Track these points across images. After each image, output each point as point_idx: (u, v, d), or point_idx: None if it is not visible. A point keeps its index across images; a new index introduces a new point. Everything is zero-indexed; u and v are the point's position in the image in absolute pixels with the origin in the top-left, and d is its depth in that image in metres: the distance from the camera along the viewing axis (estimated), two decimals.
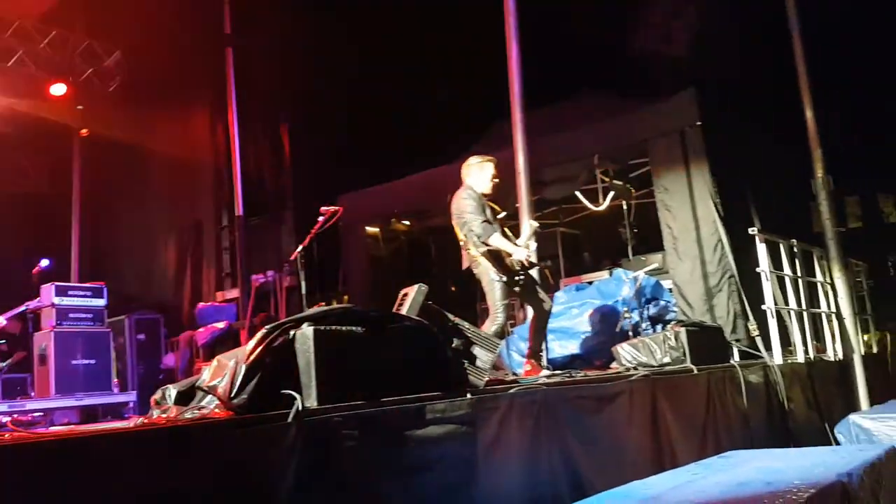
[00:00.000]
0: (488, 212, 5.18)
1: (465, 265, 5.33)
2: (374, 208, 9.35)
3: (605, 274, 8.13)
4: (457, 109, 10.22)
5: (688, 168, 6.72)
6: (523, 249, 5.09)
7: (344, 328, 2.98)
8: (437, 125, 10.29)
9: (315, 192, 9.96)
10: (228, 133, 10.56)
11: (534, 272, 5.64)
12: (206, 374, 2.87)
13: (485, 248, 5.05)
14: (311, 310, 3.11)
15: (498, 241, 5.05)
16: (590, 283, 7.69)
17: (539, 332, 5.40)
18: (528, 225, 5.45)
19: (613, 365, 5.67)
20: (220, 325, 9.30)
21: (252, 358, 2.72)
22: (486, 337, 4.15)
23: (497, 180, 5.33)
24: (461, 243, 5.23)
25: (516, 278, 5.04)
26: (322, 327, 2.89)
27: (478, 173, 5.29)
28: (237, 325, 9.48)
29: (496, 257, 5.04)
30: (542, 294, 5.39)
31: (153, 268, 12.12)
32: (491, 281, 5.06)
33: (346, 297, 9.43)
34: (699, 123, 6.62)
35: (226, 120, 10.70)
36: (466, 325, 4.11)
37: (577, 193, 8.71)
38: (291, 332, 2.88)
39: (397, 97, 10.51)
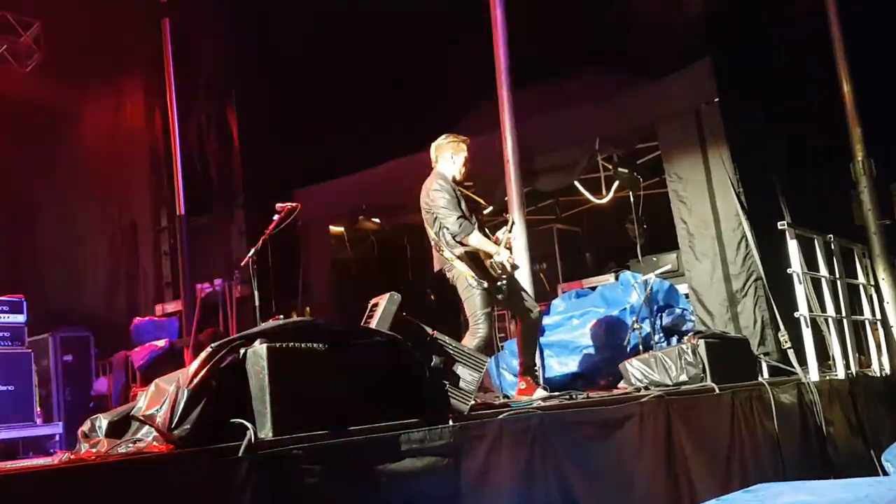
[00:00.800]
0: (464, 205, 5.19)
1: (436, 268, 5.35)
2: (339, 204, 9.35)
3: (610, 278, 8.16)
4: (433, 87, 10.23)
5: (704, 153, 6.77)
6: (505, 250, 5.11)
7: (304, 345, 2.98)
8: (411, 106, 10.29)
9: (269, 185, 9.96)
10: (167, 118, 10.49)
11: (522, 275, 5.67)
12: (143, 401, 2.87)
13: (461, 250, 5.07)
14: (265, 324, 3.12)
15: (477, 240, 5.07)
16: (592, 288, 7.73)
17: (528, 346, 5.42)
18: (511, 221, 5.47)
19: (621, 384, 5.69)
20: (160, 343, 9.24)
21: (196, 381, 2.72)
22: (471, 354, 4.17)
23: (470, 165, 5.35)
24: (432, 243, 5.25)
25: (499, 283, 5.06)
26: (278, 344, 2.89)
27: (450, 156, 5.31)
28: (180, 343, 9.42)
29: (474, 259, 5.07)
30: (528, 301, 5.41)
31: (81, 277, 12.00)
32: (468, 287, 5.08)
33: (307, 309, 9.41)
34: (716, 100, 6.67)
35: (164, 102, 10.63)
36: (448, 339, 4.13)
37: (576, 184, 8.75)
38: (242, 351, 2.88)
39: (362, 74, 10.51)
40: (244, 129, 11.21)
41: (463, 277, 5.08)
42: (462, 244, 5.08)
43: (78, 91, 11.37)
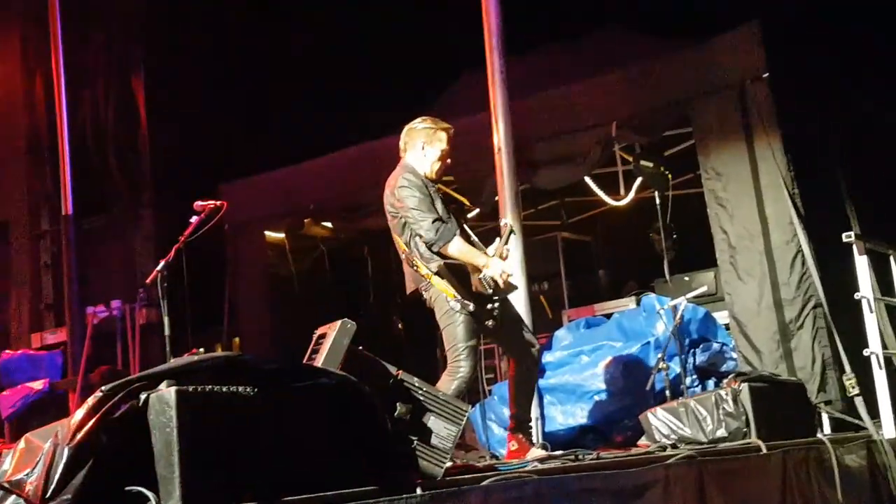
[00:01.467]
0: (439, 205, 5.19)
1: (408, 288, 5.33)
2: (279, 203, 9.32)
3: (629, 302, 8.19)
4: (401, 55, 10.26)
5: (750, 142, 6.80)
6: (498, 261, 5.10)
7: (226, 389, 2.95)
8: (374, 77, 10.30)
9: (187, 178, 9.89)
10: (52, 87, 10.39)
11: (517, 298, 5.65)
12: (9, 463, 2.83)
13: (438, 262, 5.07)
14: (176, 360, 3.09)
15: (459, 249, 5.06)
16: (607, 316, 7.75)
17: (523, 393, 5.42)
18: (502, 225, 5.47)
19: (641, 441, 5.70)
20: (36, 385, 9.15)
21: (80, 436, 2.69)
22: (448, 401, 4.15)
23: (449, 161, 5.35)
24: (402, 255, 5.24)
25: (489, 307, 5.03)
26: (191, 388, 2.86)
27: (424, 145, 5.33)
28: (63, 385, 9.32)
29: (457, 275, 5.06)
30: (527, 333, 5.40)
31: None
32: (449, 312, 5.07)
33: (234, 341, 9.35)
34: (766, 75, 6.73)
35: (48, 67, 10.53)
36: (418, 382, 4.11)
37: (588, 180, 8.76)
38: (143, 396, 2.85)
39: (312, 35, 10.51)
40: (154, 104, 11.14)
41: (443, 299, 5.07)
42: (441, 255, 5.07)
43: None
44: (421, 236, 5.06)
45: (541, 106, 7.72)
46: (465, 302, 4.99)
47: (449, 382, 4.98)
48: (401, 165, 5.33)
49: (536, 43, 9.09)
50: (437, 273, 5.03)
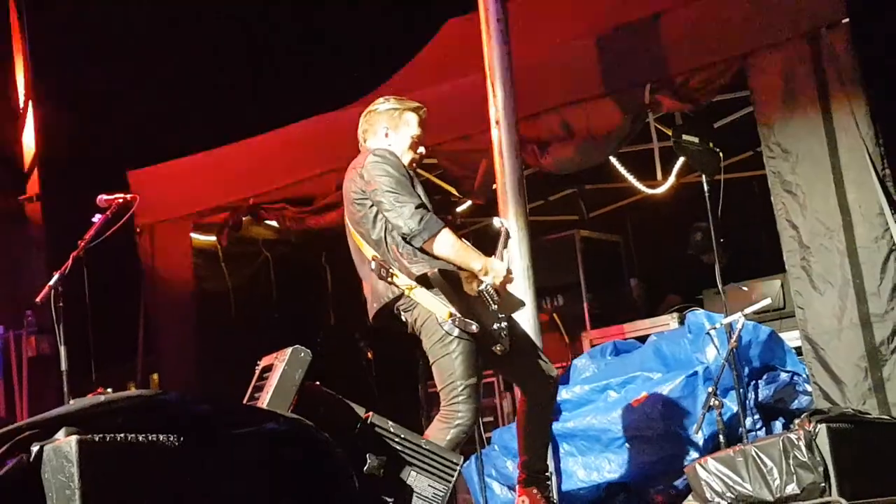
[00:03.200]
0: (422, 193, 5.22)
1: (371, 310, 5.32)
2: (208, 196, 9.32)
3: (670, 321, 8.21)
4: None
5: (827, 110, 6.83)
6: (498, 263, 5.12)
7: (142, 437, 2.96)
8: (328, 32, 10.32)
9: (86, 164, 9.88)
10: None
11: (522, 317, 5.67)
12: None
13: (423, 266, 5.06)
14: (78, 401, 3.09)
15: (451, 245, 5.07)
16: (641, 339, 7.76)
17: (536, 436, 5.44)
18: (496, 226, 5.47)
19: (689, 501, 5.72)
20: None
21: None
22: (433, 451, 4.18)
23: (422, 150, 5.42)
24: (367, 264, 5.20)
25: (495, 327, 5.04)
26: (97, 437, 2.88)
27: (388, 131, 5.39)
28: None
29: (451, 284, 5.06)
30: (541, 360, 5.41)
31: None
32: (444, 340, 5.05)
33: (154, 377, 9.34)
34: (846, 20, 6.77)
35: None
36: (394, 427, 4.14)
37: (614, 162, 8.78)
38: (35, 448, 2.86)
39: None
40: (42, 69, 11.12)
41: (433, 321, 5.04)
42: (427, 255, 5.06)
43: None
44: (400, 227, 5.03)
45: (552, 64, 7.73)
46: (467, 321, 4.96)
47: (443, 431, 4.92)
48: (365, 153, 5.33)
49: None
50: (419, 282, 5.01)
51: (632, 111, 7.60)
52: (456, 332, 4.98)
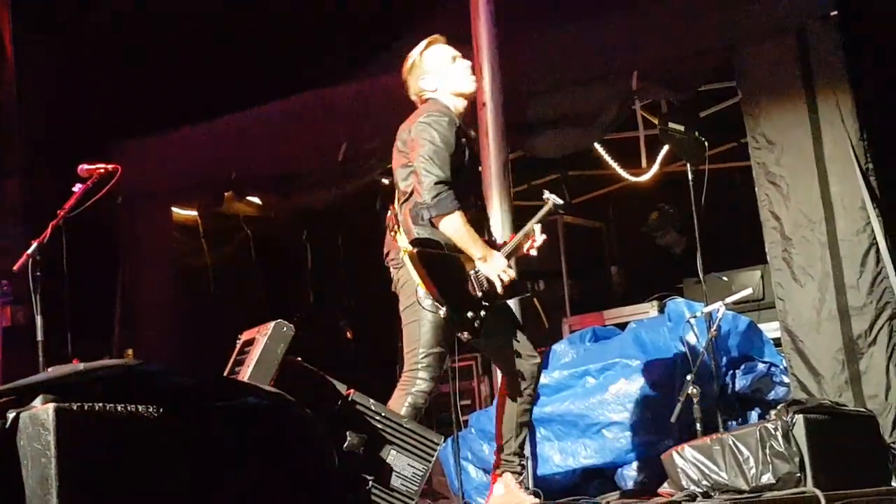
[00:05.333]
0: (468, 166, 5.29)
1: (391, 268, 5.38)
2: (190, 170, 9.28)
3: (650, 308, 8.23)
4: None
5: (813, 102, 6.84)
6: (499, 259, 5.15)
7: (120, 407, 2.94)
8: (314, 9, 10.28)
9: (68, 135, 9.82)
10: None
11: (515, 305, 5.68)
12: None
13: (422, 233, 5.13)
14: (55, 369, 3.08)
15: (456, 227, 5.11)
16: (621, 326, 7.76)
17: (514, 421, 5.44)
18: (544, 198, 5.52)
19: (664, 488, 5.74)
20: None
21: None
22: (414, 430, 4.17)
23: (468, 68, 5.46)
24: (392, 213, 5.31)
25: (470, 314, 5.06)
26: (76, 405, 2.85)
27: (448, 74, 5.42)
28: None
29: (442, 262, 5.11)
30: (525, 346, 5.42)
31: None
32: (415, 306, 5.13)
33: (128, 352, 9.29)
34: (834, 13, 6.76)
35: None
36: (374, 405, 4.13)
37: (598, 148, 8.77)
38: (11, 416, 2.84)
39: None
40: (25, 39, 11.05)
41: (411, 286, 5.11)
42: (431, 226, 5.12)
43: None
44: (422, 195, 5.11)
45: (539, 48, 7.73)
46: (438, 301, 5.00)
47: (402, 398, 5.04)
48: (427, 106, 5.40)
49: None
50: (414, 248, 5.05)
51: (618, 98, 7.61)
52: (427, 303, 5.04)
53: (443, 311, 5.00)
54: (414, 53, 5.48)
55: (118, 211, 9.20)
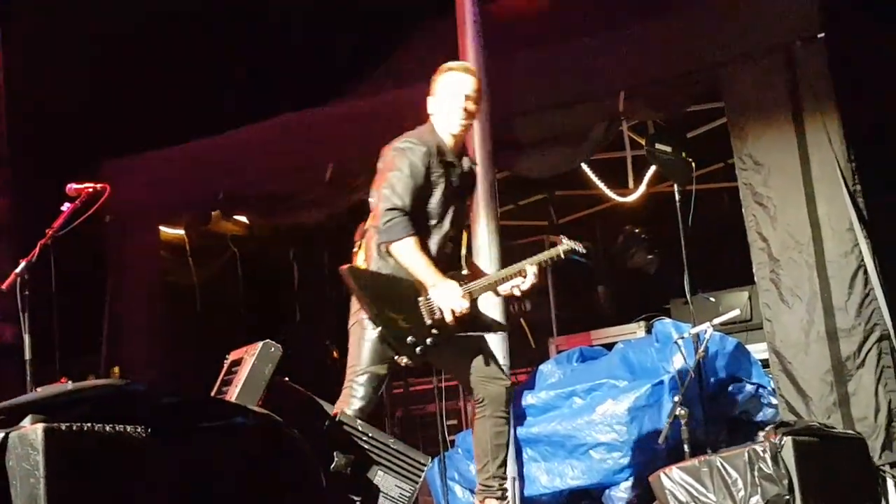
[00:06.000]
0: (437, 194, 5.26)
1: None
2: (177, 189, 9.26)
3: (638, 329, 8.23)
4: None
5: (800, 123, 6.84)
6: (449, 289, 5.12)
7: (108, 428, 2.94)
8: (303, 31, 10.29)
9: (58, 152, 9.80)
10: None
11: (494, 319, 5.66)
12: None
13: (377, 261, 5.18)
14: (43, 389, 3.05)
15: (407, 254, 5.13)
16: (608, 346, 7.75)
17: (489, 444, 5.38)
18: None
19: None
20: None
21: None
22: (402, 451, 4.17)
23: (466, 104, 5.38)
24: (359, 230, 5.40)
25: (410, 340, 5.04)
26: (64, 426, 2.85)
27: (445, 106, 5.40)
28: None
29: (388, 285, 5.15)
30: (493, 370, 5.40)
31: None
32: (360, 323, 5.19)
33: (114, 370, 9.26)
34: (822, 35, 6.78)
35: None
36: (362, 426, 4.13)
37: (585, 168, 8.77)
38: (0, 435, 2.84)
39: None
40: (14, 49, 11.03)
41: (356, 302, 5.19)
42: (388, 252, 5.15)
43: None
44: (379, 220, 5.15)
45: (526, 68, 7.73)
46: (374, 325, 5.05)
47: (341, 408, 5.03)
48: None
49: None
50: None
51: (605, 118, 7.61)
52: (366, 322, 5.10)
53: (376, 331, 5.06)
54: (442, 67, 5.51)
55: (105, 229, 9.16)
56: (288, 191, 8.57)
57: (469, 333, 5.28)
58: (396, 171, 5.15)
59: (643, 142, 8.30)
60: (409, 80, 7.98)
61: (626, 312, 9.18)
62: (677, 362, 6.75)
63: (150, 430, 3.01)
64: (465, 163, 5.51)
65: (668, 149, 7.87)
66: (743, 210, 7.00)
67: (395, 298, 5.07)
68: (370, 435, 4.15)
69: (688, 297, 7.54)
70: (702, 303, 7.75)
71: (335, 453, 3.95)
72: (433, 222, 5.27)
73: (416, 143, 5.24)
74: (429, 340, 5.06)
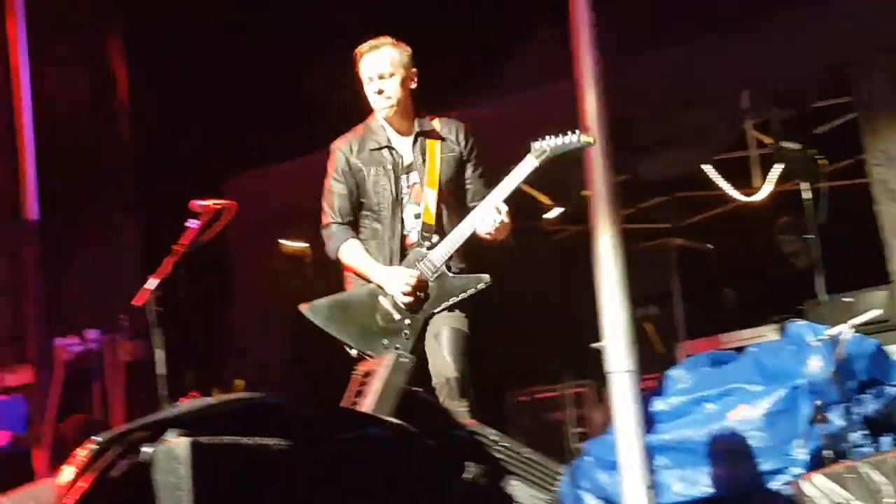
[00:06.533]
0: (370, 182, 5.37)
1: None
2: (303, 203, 9.32)
3: (769, 332, 8.12)
4: (459, 11, 10.32)
5: None
6: (393, 277, 5.16)
7: (251, 441, 2.98)
8: (421, 42, 10.32)
9: (182, 171, 9.97)
10: (8, 57, 10.54)
11: (620, 325, 5.62)
12: None
13: (349, 275, 5.47)
14: (184, 404, 3.10)
15: (349, 262, 5.38)
16: (739, 349, 7.65)
17: None
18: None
19: None
20: None
21: (70, 502, 2.72)
22: (536, 460, 4.16)
23: (378, 85, 5.40)
24: None
25: (385, 342, 5.15)
26: (206, 439, 2.89)
27: (367, 94, 5.54)
28: (27, 440, 9.39)
29: (337, 306, 5.39)
30: (442, 355, 5.19)
31: None
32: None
33: (238, 383, 9.38)
34: None
35: (2, 31, 10.70)
36: (494, 435, 4.12)
37: (709, 169, 8.69)
38: (146, 451, 2.89)
39: None
40: (138, 74, 11.25)
41: None
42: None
43: None
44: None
45: (645, 70, 7.71)
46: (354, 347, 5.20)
47: None
48: None
49: None
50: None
51: (728, 117, 7.58)
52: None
53: (354, 352, 5.20)
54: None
55: (229, 245, 9.30)
56: None
57: (445, 308, 5.24)
58: (326, 182, 5.46)
59: (769, 140, 8.22)
60: (525, 88, 8.05)
61: (756, 315, 9.08)
62: (814, 366, 6.64)
63: (292, 443, 3.05)
64: (419, 137, 5.47)
65: (796, 146, 7.79)
66: (876, 207, 6.91)
67: (357, 313, 5.28)
68: (504, 444, 4.15)
69: (822, 295, 7.43)
70: (837, 304, 7.64)
71: (468, 463, 3.96)
72: (383, 213, 5.36)
73: (336, 148, 5.49)
74: (406, 332, 5.17)
